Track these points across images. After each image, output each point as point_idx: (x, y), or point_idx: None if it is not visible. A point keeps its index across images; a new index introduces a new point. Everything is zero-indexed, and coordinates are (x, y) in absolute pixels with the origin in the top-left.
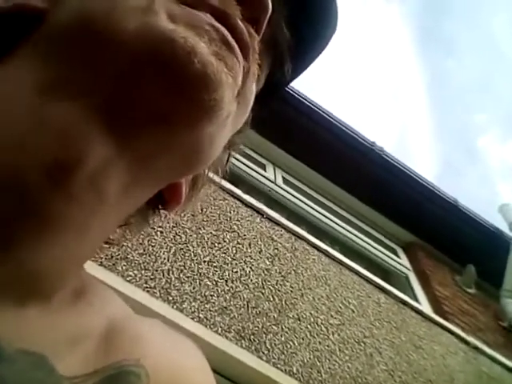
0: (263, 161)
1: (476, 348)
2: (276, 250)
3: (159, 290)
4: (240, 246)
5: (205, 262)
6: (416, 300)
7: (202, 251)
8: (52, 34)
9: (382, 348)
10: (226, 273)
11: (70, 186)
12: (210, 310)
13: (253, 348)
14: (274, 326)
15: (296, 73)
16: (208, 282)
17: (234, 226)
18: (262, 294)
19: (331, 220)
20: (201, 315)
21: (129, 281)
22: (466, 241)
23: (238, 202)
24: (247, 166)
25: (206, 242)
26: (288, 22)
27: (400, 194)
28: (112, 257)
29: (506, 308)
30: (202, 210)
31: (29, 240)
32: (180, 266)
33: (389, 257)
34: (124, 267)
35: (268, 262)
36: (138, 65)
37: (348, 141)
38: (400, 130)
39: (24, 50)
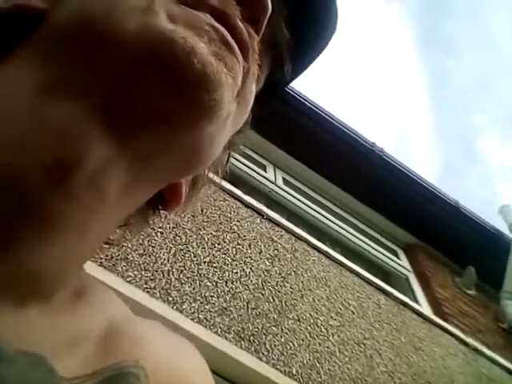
0: (263, 161)
1: (476, 350)
2: (276, 251)
3: (159, 291)
4: (240, 246)
5: (205, 262)
6: (416, 301)
7: (202, 252)
8: (52, 34)
9: (381, 349)
10: (226, 274)
11: (70, 186)
12: (210, 311)
13: (252, 349)
14: (273, 327)
15: (296, 73)
16: (208, 283)
17: (234, 227)
18: (262, 294)
19: (331, 221)
20: (201, 316)
21: (129, 281)
22: (466, 242)
23: (238, 203)
24: (247, 166)
25: (206, 242)
26: (288, 22)
27: (400, 195)
28: (112, 257)
29: (505, 310)
30: (202, 210)
31: (29, 240)
32: (180, 266)
33: (389, 258)
34: (124, 268)
35: (268, 263)
36: (137, 65)
37: (348, 141)
38: (400, 131)
39: (24, 50)
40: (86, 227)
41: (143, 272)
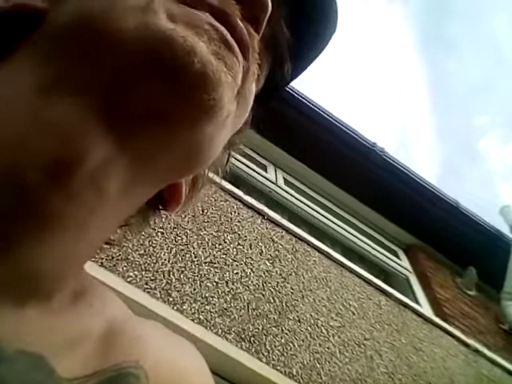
0: (264, 162)
1: (476, 351)
2: (277, 252)
3: (160, 291)
4: (241, 247)
5: (205, 263)
6: (417, 302)
7: (202, 252)
8: (52, 34)
9: (382, 350)
10: (227, 274)
11: (69, 185)
12: (211, 312)
13: (253, 350)
14: (274, 328)
15: (296, 73)
16: (208, 284)
17: (235, 228)
18: (263, 295)
19: (332, 221)
20: (201, 316)
21: (129, 282)
22: (466, 243)
23: (238, 203)
24: (248, 166)
25: (207, 243)
26: (288, 21)
27: (401, 195)
28: (113, 257)
29: (506, 310)
30: (202, 211)
31: (28, 239)
32: (181, 267)
33: (390, 259)
34: (124, 268)
35: (269, 264)
36: (137, 64)
37: (349, 142)
38: (401, 131)
39: (24, 50)
40: (85, 226)
41: (144, 272)
